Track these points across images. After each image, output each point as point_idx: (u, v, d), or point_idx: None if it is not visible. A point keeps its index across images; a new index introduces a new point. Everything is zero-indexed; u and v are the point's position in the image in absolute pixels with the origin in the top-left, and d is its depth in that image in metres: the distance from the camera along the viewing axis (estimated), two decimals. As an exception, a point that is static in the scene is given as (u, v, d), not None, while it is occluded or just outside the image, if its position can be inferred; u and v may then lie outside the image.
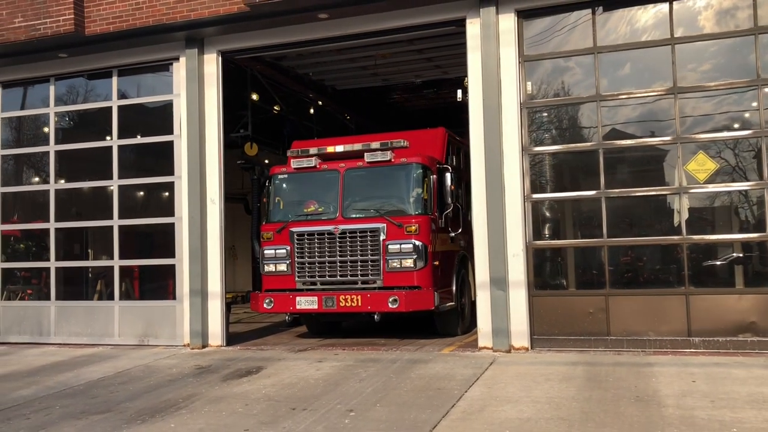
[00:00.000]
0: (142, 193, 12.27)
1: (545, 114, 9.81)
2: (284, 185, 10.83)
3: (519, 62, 9.44)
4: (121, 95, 11.77)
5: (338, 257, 10.03)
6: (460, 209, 10.85)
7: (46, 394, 7.74)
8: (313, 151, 10.63)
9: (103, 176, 11.81)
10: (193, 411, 6.65)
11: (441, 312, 10.04)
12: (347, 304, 9.63)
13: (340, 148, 10.48)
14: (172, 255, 11.03)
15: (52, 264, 12.06)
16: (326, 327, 11.70)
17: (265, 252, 10.44)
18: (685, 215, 8.87)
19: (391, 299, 9.45)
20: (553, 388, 7.01)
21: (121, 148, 11.60)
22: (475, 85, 9.50)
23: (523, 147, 9.38)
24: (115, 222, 11.52)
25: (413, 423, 5.93)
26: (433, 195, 10.17)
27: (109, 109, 11.76)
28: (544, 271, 9.61)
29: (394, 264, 9.69)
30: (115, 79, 11.74)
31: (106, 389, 7.88)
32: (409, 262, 9.59)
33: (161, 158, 11.28)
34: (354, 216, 10.13)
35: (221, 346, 10.61)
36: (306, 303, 9.91)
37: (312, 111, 16.60)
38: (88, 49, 11.24)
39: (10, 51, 11.34)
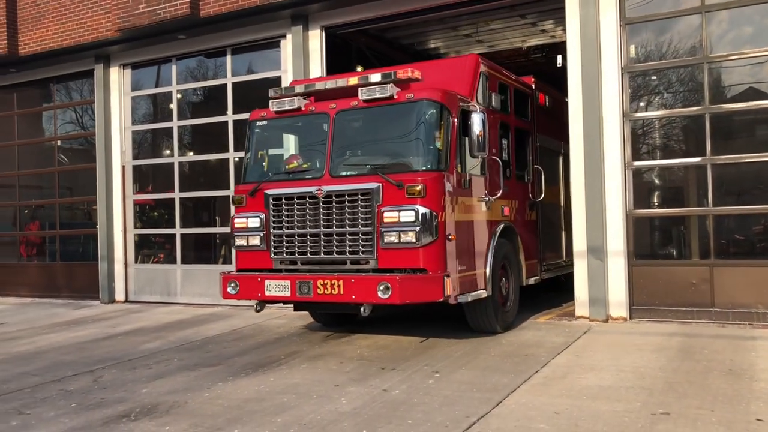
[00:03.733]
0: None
1: (647, 78, 9.47)
2: (264, 134, 8.54)
3: (620, 25, 9.17)
4: (235, 72, 12.53)
5: (322, 228, 7.57)
6: (501, 166, 8.51)
7: (168, 348, 8.62)
8: (298, 88, 8.24)
9: (222, 149, 12.68)
10: (292, 367, 7.21)
11: (469, 302, 7.76)
12: (326, 291, 7.24)
13: (331, 84, 8.04)
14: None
15: (177, 231, 13.17)
16: (335, 317, 9.17)
17: (236, 221, 8.13)
18: (800, 182, 8.34)
19: (381, 287, 6.90)
20: (642, 357, 6.96)
21: (236, 123, 12.37)
22: (574, 50, 9.33)
23: (623, 113, 9.12)
24: (231, 192, 12.36)
25: (494, 386, 6.12)
26: (452, 144, 7.48)
27: (224, 86, 12.58)
28: (645, 241, 9.38)
29: (391, 238, 7.14)
30: (228, 58, 12.53)
31: (220, 345, 8.65)
32: (410, 236, 7.04)
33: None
34: (345, 174, 7.64)
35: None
36: (276, 288, 7.57)
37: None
38: (203, 30, 12.06)
39: (136, 35, 12.41)
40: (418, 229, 7.06)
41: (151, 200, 14.13)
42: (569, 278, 10.89)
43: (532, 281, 9.45)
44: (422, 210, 7.06)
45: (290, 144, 8.53)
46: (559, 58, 11.14)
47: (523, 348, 7.64)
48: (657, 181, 9.49)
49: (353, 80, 7.76)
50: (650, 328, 8.50)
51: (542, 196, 9.66)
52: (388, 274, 7.08)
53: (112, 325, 10.83)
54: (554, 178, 10.64)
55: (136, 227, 13.85)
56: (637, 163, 9.23)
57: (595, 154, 9.12)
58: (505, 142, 8.91)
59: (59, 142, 15.61)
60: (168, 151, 13.72)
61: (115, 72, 13.69)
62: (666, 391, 5.78)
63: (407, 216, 7.08)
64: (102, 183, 13.68)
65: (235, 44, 12.34)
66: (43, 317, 12.17)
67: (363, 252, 7.37)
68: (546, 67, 16.02)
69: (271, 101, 8.20)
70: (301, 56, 11.25)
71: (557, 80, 12.21)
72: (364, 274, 7.25)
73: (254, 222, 7.98)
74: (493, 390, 6.00)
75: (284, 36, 11.71)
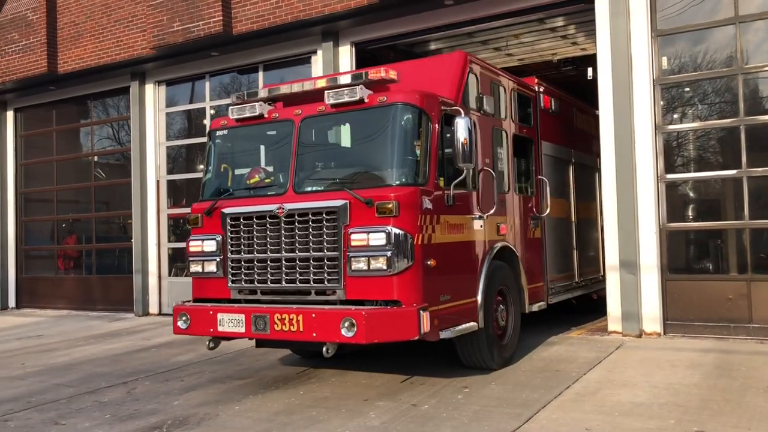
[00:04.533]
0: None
1: (680, 90, 9.35)
2: (225, 144, 7.53)
3: (651, 37, 9.09)
4: (266, 88, 12.67)
5: (284, 253, 6.53)
6: (495, 178, 7.49)
7: (199, 360, 8.71)
8: (262, 93, 7.24)
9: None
10: (321, 380, 7.22)
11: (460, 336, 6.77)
12: (284, 327, 6.18)
13: (298, 87, 7.00)
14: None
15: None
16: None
17: (190, 244, 7.13)
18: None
19: (345, 323, 5.85)
20: (676, 374, 6.83)
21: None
22: (605, 63, 9.28)
23: (655, 125, 9.02)
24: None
25: (524, 401, 6.08)
26: (431, 154, 6.46)
27: (256, 101, 12.70)
28: (679, 255, 9.22)
29: (359, 265, 6.10)
30: (260, 74, 12.71)
31: (251, 358, 8.71)
32: (380, 262, 6.00)
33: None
34: (310, 189, 6.65)
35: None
36: (230, 323, 6.50)
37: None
38: (236, 47, 12.28)
39: (170, 52, 12.69)
40: (389, 254, 5.99)
41: (185, 214, 14.30)
42: (584, 300, 10.59)
43: (535, 308, 8.47)
44: (395, 231, 6.00)
45: (254, 156, 7.56)
46: (590, 70, 10.97)
47: (554, 363, 7.55)
48: (691, 194, 9.32)
49: (321, 82, 6.88)
50: (685, 344, 8.32)
51: (548, 210, 8.94)
52: (354, 307, 6.02)
53: (146, 337, 10.98)
54: (563, 190, 9.99)
55: (170, 241, 14.05)
56: (670, 176, 9.09)
57: (627, 167, 9.03)
58: (501, 150, 7.95)
59: (96, 158, 15.98)
60: (201, 166, 13.89)
61: (150, 88, 13.98)
62: (701, 409, 5.66)
63: (377, 239, 6.04)
64: (137, 197, 13.94)
65: (266, 60, 12.53)
66: (78, 330, 12.40)
67: (329, 281, 6.29)
68: (577, 79, 15.89)
69: (230, 108, 7.26)
70: (331, 71, 11.35)
71: (588, 93, 11.91)
72: (327, 307, 6.15)
73: (210, 245, 6.93)
74: (523, 405, 5.96)
75: (315, 52, 11.86)
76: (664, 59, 9.18)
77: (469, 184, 7.16)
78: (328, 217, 6.35)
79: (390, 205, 6.08)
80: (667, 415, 5.51)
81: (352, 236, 6.19)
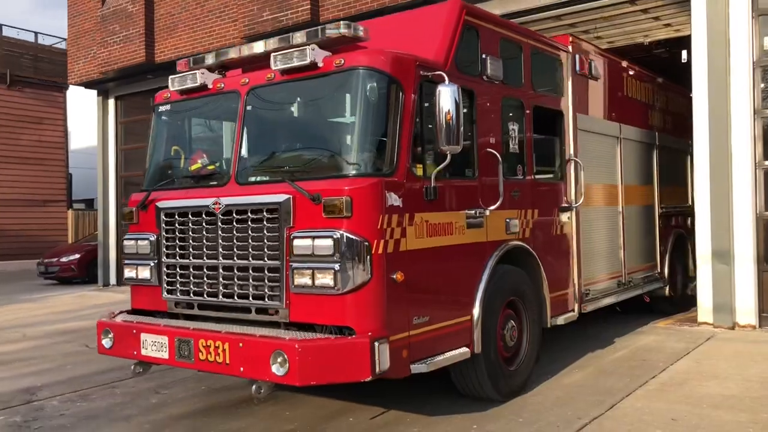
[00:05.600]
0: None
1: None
2: (169, 121, 6.24)
3: (752, 17, 8.42)
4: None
5: (221, 259, 5.28)
6: (501, 162, 5.90)
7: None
8: (209, 59, 5.78)
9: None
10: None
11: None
12: (209, 356, 4.90)
13: (247, 50, 5.63)
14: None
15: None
16: None
17: (125, 243, 5.97)
18: None
19: (277, 358, 4.52)
20: (771, 368, 6.57)
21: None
22: (700, 45, 8.95)
23: (754, 110, 8.59)
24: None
25: (607, 389, 6.05)
26: (403, 133, 4.93)
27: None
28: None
29: (303, 279, 4.74)
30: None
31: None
32: (326, 278, 4.62)
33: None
34: (254, 180, 5.34)
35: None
36: (153, 346, 5.26)
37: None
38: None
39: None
40: (337, 267, 4.58)
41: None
42: (633, 303, 8.92)
43: (561, 321, 6.83)
44: (346, 237, 4.58)
45: (199, 136, 6.27)
46: (684, 53, 10.17)
47: (640, 353, 7.50)
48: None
49: (273, 43, 5.41)
50: (783, 338, 7.97)
51: (582, 199, 7.24)
52: (288, 336, 4.64)
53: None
54: (607, 174, 8.32)
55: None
56: (769, 163, 7.87)
57: (722, 153, 8.72)
58: (513, 127, 6.31)
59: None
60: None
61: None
62: (797, 405, 5.39)
63: (322, 246, 4.64)
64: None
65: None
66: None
67: (270, 297, 4.97)
68: (670, 62, 14.38)
69: (171, 78, 5.92)
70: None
71: (682, 76, 10.95)
72: (258, 335, 4.79)
73: (144, 246, 5.72)
74: (607, 393, 5.94)
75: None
76: (766, 40, 8.71)
77: (464, 172, 5.68)
78: (268, 216, 4.99)
79: (339, 203, 4.65)
80: (760, 409, 5.33)
81: (295, 242, 4.82)
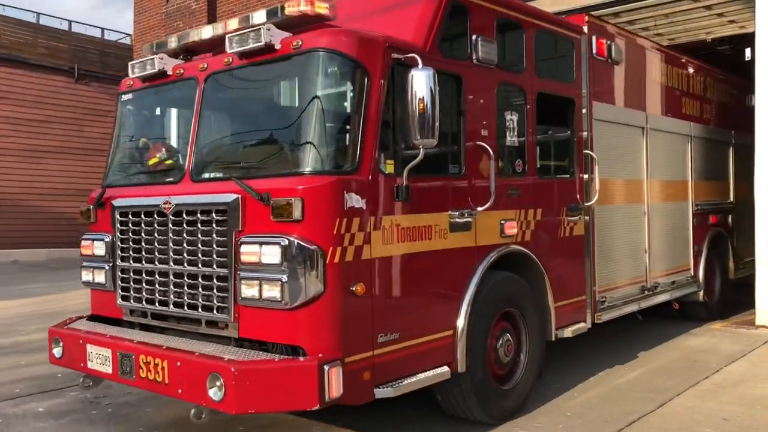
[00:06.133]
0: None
1: None
2: (131, 111, 5.75)
3: None
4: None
5: (172, 264, 4.75)
6: (494, 157, 5.23)
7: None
8: (172, 42, 5.29)
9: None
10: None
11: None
12: (149, 374, 4.42)
13: (208, 32, 5.05)
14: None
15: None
16: None
17: (82, 243, 5.49)
18: None
19: (215, 381, 3.99)
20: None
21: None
22: (763, 41, 8.57)
23: None
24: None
25: (658, 388, 6.08)
26: (368, 124, 4.33)
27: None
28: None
29: (251, 291, 4.22)
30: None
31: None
32: (273, 290, 4.10)
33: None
34: (209, 176, 4.81)
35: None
36: (98, 359, 4.80)
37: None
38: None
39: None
40: (284, 278, 4.04)
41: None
42: (655, 311, 8.04)
43: (569, 333, 6.10)
44: (295, 243, 4.03)
45: (160, 127, 5.76)
46: (748, 51, 9.54)
47: (693, 353, 7.45)
48: None
49: (233, 23, 4.85)
50: None
51: (596, 197, 6.51)
52: (227, 357, 4.10)
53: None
54: (632, 168, 7.48)
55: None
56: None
57: None
58: (512, 117, 5.60)
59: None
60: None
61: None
62: None
63: (270, 254, 4.10)
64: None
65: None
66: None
67: (218, 309, 4.44)
68: (733, 60, 13.62)
69: (130, 64, 5.47)
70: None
71: (745, 75, 10.29)
72: (198, 354, 4.25)
73: (99, 247, 5.27)
74: (657, 391, 5.96)
75: None
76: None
77: (446, 168, 5.07)
78: (217, 219, 4.47)
79: (289, 204, 4.09)
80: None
81: (242, 248, 4.29)
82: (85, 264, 5.46)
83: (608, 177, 6.94)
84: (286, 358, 4.05)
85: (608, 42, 6.99)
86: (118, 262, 5.15)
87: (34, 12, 29.95)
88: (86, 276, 5.45)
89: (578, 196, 6.46)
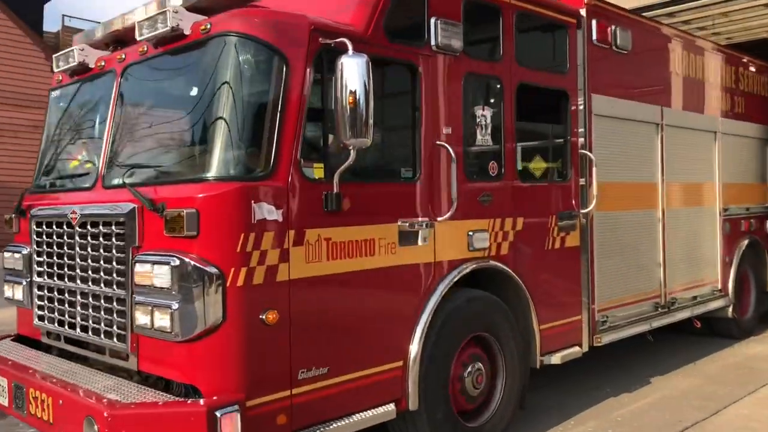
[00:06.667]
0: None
1: None
2: (60, 108, 5.20)
3: None
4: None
5: (78, 282, 4.17)
6: (454, 160, 4.47)
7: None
8: (98, 31, 4.81)
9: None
10: None
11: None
12: (37, 411, 3.87)
13: (129, 19, 4.52)
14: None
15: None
16: None
17: (5, 256, 4.93)
18: None
19: (92, 426, 3.38)
20: None
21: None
22: None
23: None
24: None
25: (711, 395, 5.99)
26: (287, 121, 3.67)
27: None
28: None
29: (144, 318, 3.62)
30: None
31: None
32: (163, 318, 3.49)
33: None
34: (117, 182, 4.11)
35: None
36: None
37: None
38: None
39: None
40: (175, 305, 3.44)
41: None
42: (669, 330, 7.12)
43: (556, 359, 5.32)
44: (188, 264, 3.41)
45: (85, 126, 5.00)
46: None
47: (750, 360, 7.30)
48: None
49: (153, 8, 4.32)
50: None
51: (593, 203, 5.68)
52: (107, 398, 3.49)
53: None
54: (643, 170, 6.58)
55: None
56: None
57: None
58: (484, 112, 4.85)
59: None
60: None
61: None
62: None
63: (160, 276, 3.50)
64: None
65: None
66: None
67: (118, 336, 3.86)
68: None
69: (54, 57, 4.92)
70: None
71: None
72: (82, 392, 3.64)
73: (18, 261, 4.75)
74: (711, 399, 5.89)
75: None
76: None
77: (396, 172, 4.39)
78: (117, 231, 3.87)
79: (181, 217, 3.45)
80: None
81: (136, 267, 3.69)
82: (7, 278, 4.94)
83: (612, 180, 6.12)
84: (173, 401, 3.44)
85: (613, 27, 6.15)
86: (35, 277, 4.61)
87: (98, 23, 30.13)
88: (8, 291, 4.94)
89: (573, 202, 5.66)
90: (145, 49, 4.20)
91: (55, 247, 4.40)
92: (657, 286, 6.74)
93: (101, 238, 3.94)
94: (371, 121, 3.69)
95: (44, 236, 4.51)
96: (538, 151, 5.61)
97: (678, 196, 7.11)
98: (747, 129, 8.44)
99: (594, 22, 5.92)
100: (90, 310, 4.06)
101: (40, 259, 4.55)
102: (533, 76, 5.32)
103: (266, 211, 3.56)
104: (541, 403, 5.79)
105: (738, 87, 8.40)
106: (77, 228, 4.15)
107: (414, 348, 4.24)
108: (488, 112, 4.91)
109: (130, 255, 3.74)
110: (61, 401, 3.68)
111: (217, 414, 3.26)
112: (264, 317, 3.51)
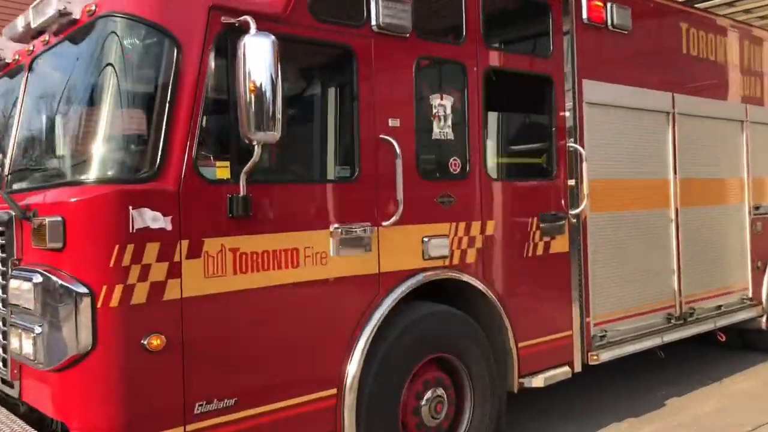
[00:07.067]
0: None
1: None
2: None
3: None
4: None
5: None
6: (400, 156, 3.89)
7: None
8: (20, 24, 4.03)
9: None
10: None
11: None
12: None
13: (47, 8, 3.82)
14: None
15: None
16: None
17: None
18: None
19: None
20: None
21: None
22: None
23: None
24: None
25: None
26: (179, 112, 3.15)
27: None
28: None
29: (15, 342, 3.20)
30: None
31: None
32: (28, 344, 3.05)
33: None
34: (18, 187, 3.77)
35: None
36: None
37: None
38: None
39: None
40: (38, 329, 3.03)
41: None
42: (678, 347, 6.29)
43: (540, 382, 4.67)
44: (52, 282, 3.00)
45: (7, 124, 4.41)
46: None
47: None
48: None
49: None
50: None
51: (584, 203, 5.00)
52: None
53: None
54: (652, 164, 5.83)
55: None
56: None
57: None
58: (443, 102, 4.25)
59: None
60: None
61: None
62: None
63: (23, 295, 3.11)
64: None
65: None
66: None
67: (3, 361, 3.53)
68: None
69: None
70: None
71: None
72: None
73: None
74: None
75: None
76: None
77: (329, 170, 3.89)
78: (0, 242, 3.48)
79: (44, 226, 2.99)
80: None
81: (11, 283, 3.27)
82: None
83: (611, 176, 5.42)
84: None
85: (608, 4, 5.45)
86: None
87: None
88: None
89: (562, 202, 5.00)
90: (47, 38, 3.79)
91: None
92: (670, 294, 5.98)
93: (-4, 251, 3.53)
94: (279, 113, 3.16)
95: None
96: (514, 146, 4.97)
97: (696, 194, 6.32)
98: (781, 117, 7.56)
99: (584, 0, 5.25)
100: (-3, 336, 3.64)
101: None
102: (506, 59, 4.70)
103: (149, 219, 3.05)
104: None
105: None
106: None
107: (351, 372, 3.68)
108: (448, 102, 4.30)
109: (9, 269, 3.30)
110: None
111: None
112: (146, 342, 3.01)
